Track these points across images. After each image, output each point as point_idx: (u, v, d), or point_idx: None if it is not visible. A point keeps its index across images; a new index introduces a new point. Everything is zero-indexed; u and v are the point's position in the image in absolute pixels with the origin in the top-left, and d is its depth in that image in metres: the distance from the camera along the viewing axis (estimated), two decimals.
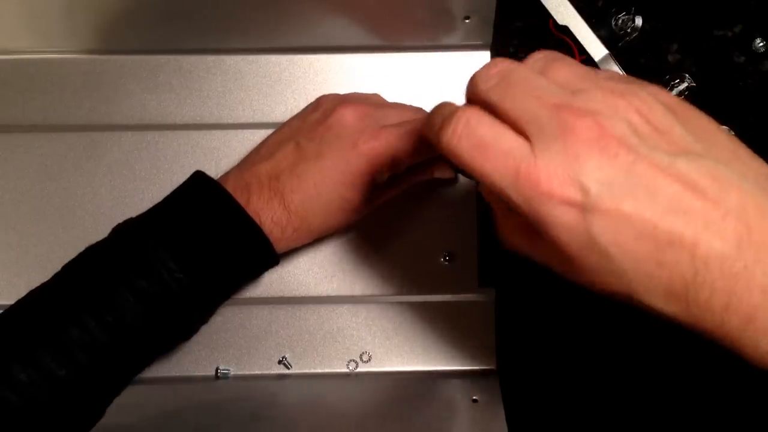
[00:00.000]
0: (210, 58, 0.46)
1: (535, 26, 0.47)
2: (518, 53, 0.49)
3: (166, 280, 0.35)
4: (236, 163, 0.41)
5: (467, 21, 0.44)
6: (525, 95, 0.26)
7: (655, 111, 0.25)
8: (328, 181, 0.38)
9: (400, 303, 0.46)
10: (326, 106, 0.40)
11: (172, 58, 0.46)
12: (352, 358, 0.46)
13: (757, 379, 0.43)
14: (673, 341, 0.47)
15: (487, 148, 0.26)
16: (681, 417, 0.46)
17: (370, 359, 0.45)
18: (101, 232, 0.45)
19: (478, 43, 0.46)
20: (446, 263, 0.45)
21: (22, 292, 0.38)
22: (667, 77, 0.45)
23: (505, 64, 0.28)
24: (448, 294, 0.45)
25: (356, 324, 0.46)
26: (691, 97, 0.45)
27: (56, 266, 0.42)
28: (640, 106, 0.25)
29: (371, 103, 0.41)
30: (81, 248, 0.39)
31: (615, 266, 0.25)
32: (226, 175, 0.40)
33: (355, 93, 0.43)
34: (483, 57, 0.46)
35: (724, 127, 0.36)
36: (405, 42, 0.46)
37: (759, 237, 0.23)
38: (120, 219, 0.40)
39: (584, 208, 0.24)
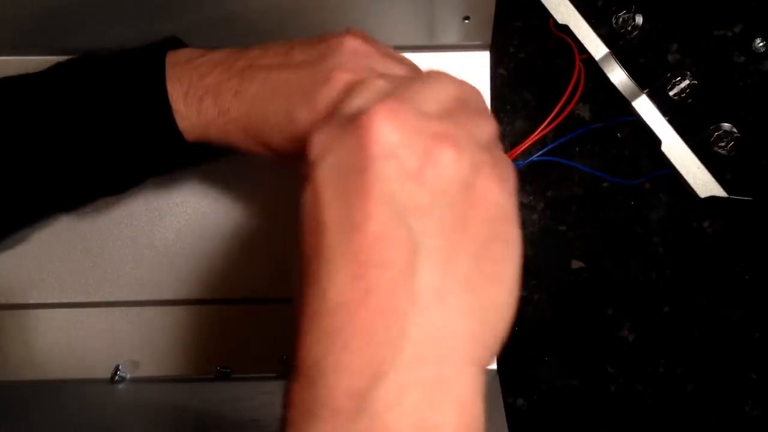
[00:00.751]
0: None
1: (535, 26, 0.47)
2: (518, 53, 0.49)
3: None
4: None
5: (467, 21, 0.44)
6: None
7: (443, 158, 0.23)
8: (286, 91, 0.34)
9: None
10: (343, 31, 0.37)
11: None
12: None
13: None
14: (673, 340, 0.47)
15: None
16: (681, 416, 0.46)
17: None
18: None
19: (478, 43, 0.46)
20: None
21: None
22: (669, 75, 0.45)
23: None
24: None
25: None
26: (692, 94, 0.45)
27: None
28: (440, 148, 0.23)
29: (381, 47, 0.36)
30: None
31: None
32: (219, 49, 0.37)
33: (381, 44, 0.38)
34: (483, 57, 0.46)
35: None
36: (404, 42, 0.46)
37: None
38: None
39: (311, 164, 0.25)
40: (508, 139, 0.48)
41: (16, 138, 0.36)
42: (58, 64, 0.38)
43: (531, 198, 0.47)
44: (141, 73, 0.36)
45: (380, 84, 0.27)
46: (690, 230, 0.47)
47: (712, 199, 0.44)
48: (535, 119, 0.48)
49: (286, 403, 0.23)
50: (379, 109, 0.23)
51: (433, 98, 0.26)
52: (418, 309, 0.22)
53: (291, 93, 0.34)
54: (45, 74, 0.37)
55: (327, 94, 0.33)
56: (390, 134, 0.23)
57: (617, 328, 0.46)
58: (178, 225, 0.45)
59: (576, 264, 0.47)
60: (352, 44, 0.35)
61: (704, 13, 0.48)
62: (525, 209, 0.47)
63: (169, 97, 0.35)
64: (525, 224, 0.47)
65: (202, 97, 0.35)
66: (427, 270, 0.22)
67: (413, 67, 0.38)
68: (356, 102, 0.26)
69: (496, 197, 0.24)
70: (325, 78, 0.33)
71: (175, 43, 0.39)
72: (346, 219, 0.22)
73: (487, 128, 0.27)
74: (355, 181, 0.23)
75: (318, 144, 0.25)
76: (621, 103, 0.47)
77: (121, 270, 0.45)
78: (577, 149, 0.48)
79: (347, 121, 0.24)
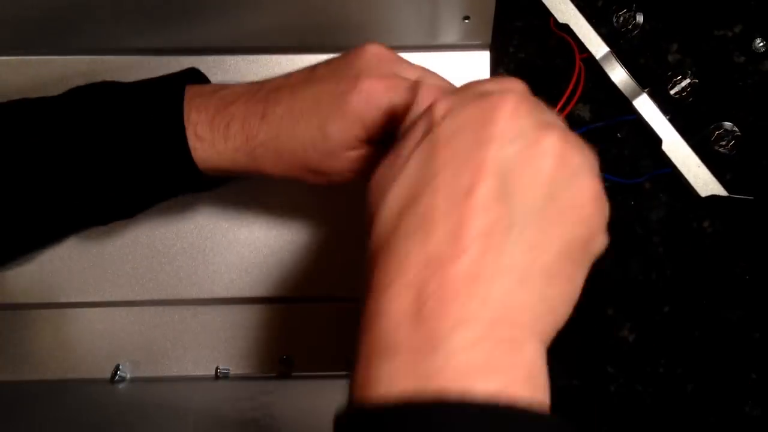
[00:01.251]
0: (210, 58, 0.46)
1: (535, 26, 0.47)
2: (518, 53, 0.49)
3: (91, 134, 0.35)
4: None
5: (467, 21, 0.44)
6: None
7: (541, 176, 0.25)
8: (315, 105, 0.34)
9: None
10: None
11: (172, 58, 0.46)
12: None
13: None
14: (673, 340, 0.47)
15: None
16: (681, 416, 0.46)
17: None
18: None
19: (478, 43, 0.46)
20: None
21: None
22: (669, 74, 0.45)
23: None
24: None
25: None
26: (693, 93, 0.45)
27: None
28: (540, 162, 0.25)
29: (398, 55, 0.37)
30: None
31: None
32: (243, 83, 0.37)
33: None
34: (483, 57, 0.46)
35: None
36: (405, 42, 0.46)
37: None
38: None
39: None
40: None
41: (30, 162, 0.36)
42: (76, 89, 0.38)
43: None
44: (158, 103, 0.36)
45: (503, 81, 0.29)
46: (690, 230, 0.47)
47: (713, 198, 0.44)
48: None
49: (360, 340, 0.24)
50: (510, 96, 0.25)
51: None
52: (502, 281, 0.23)
53: (320, 107, 0.34)
54: (62, 99, 0.37)
55: (357, 103, 0.33)
56: (514, 119, 0.25)
57: (617, 328, 0.46)
58: (178, 225, 0.45)
59: None
60: (374, 50, 0.36)
61: (704, 13, 0.48)
62: None
63: (194, 125, 0.35)
64: None
65: (228, 123, 0.35)
66: (518, 250, 0.24)
67: (440, 77, 0.38)
68: (486, 86, 0.27)
69: (594, 205, 0.26)
70: (351, 86, 0.34)
71: (196, 75, 0.39)
72: (459, 182, 0.24)
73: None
74: (475, 151, 0.24)
75: (443, 106, 0.26)
76: (621, 103, 0.47)
77: (121, 270, 0.45)
78: None
79: (478, 96, 0.26)
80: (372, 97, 0.34)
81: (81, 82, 0.46)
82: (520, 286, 0.23)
